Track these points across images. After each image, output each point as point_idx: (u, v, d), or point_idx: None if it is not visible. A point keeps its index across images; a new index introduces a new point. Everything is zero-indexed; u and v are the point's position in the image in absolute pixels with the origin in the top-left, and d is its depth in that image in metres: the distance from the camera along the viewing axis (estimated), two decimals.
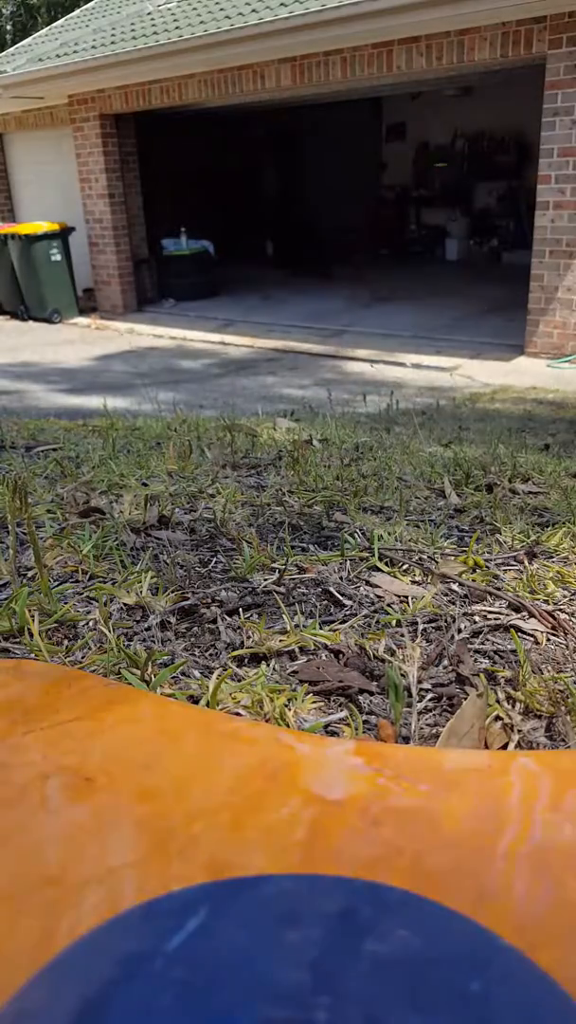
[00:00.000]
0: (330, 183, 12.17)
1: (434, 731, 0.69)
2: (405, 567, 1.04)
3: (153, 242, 9.29)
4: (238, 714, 0.69)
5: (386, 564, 1.04)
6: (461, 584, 0.99)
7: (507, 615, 0.91)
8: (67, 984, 0.33)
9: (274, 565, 1.03)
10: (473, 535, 1.16)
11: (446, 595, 0.96)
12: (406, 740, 0.68)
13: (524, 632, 0.88)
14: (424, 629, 0.88)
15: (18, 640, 0.82)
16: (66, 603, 0.90)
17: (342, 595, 0.95)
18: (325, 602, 0.94)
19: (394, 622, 0.89)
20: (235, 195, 11.57)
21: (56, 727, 0.56)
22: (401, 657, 0.81)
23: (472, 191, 11.62)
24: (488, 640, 0.86)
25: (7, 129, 10.31)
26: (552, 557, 1.10)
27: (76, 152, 8.87)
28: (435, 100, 10.70)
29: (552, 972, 0.34)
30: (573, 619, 0.91)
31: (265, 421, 2.75)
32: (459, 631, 0.87)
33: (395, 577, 1.01)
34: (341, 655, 0.81)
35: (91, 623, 0.87)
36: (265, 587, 0.96)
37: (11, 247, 8.69)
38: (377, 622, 0.89)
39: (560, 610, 0.92)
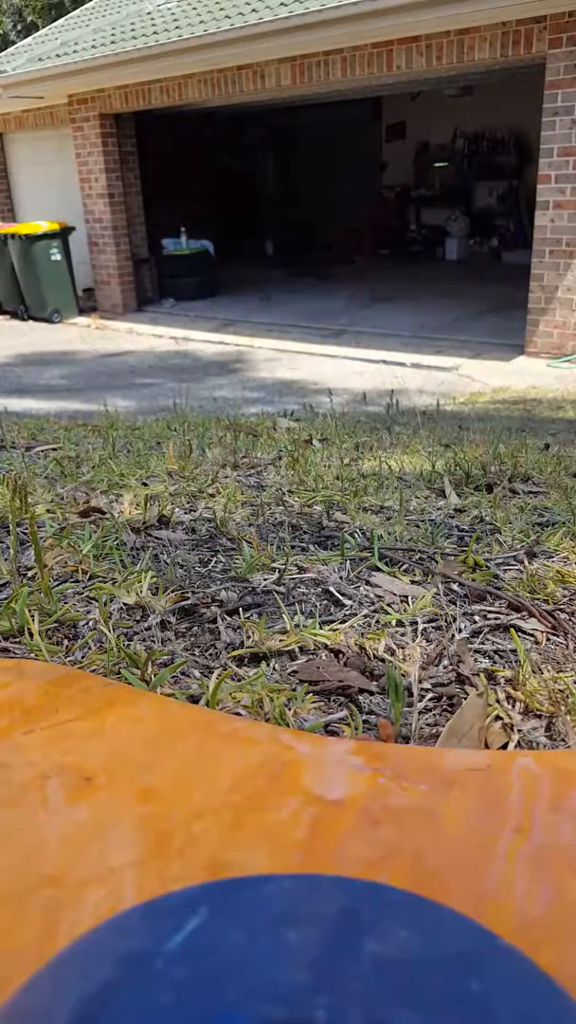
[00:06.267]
0: (330, 183, 12.17)
1: (434, 731, 0.69)
2: (405, 567, 1.04)
3: (153, 242, 9.29)
4: (238, 714, 0.69)
5: (386, 564, 1.04)
6: (461, 584, 0.99)
7: (507, 615, 0.91)
8: (67, 984, 0.33)
9: (274, 565, 1.03)
10: (473, 535, 1.15)
11: (446, 595, 0.96)
12: (406, 740, 0.68)
13: (524, 632, 0.88)
14: (424, 629, 0.88)
15: (18, 640, 0.82)
16: (66, 603, 0.90)
17: (342, 595, 0.95)
18: (325, 602, 0.94)
19: (394, 622, 0.89)
20: (235, 195, 11.56)
21: (56, 727, 0.56)
22: (401, 657, 0.81)
23: (472, 191, 11.62)
24: (488, 640, 0.86)
25: (7, 129, 10.31)
26: (552, 557, 1.10)
27: (76, 152, 8.87)
28: (435, 100, 10.70)
29: (552, 972, 0.34)
30: (573, 619, 0.91)
31: (265, 421, 2.75)
32: (459, 631, 0.87)
33: (395, 577, 1.01)
34: (341, 655, 0.81)
35: (91, 623, 0.87)
36: (265, 587, 0.96)
37: (11, 247, 8.68)
38: (377, 622, 0.89)
39: (560, 610, 0.92)
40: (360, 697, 0.75)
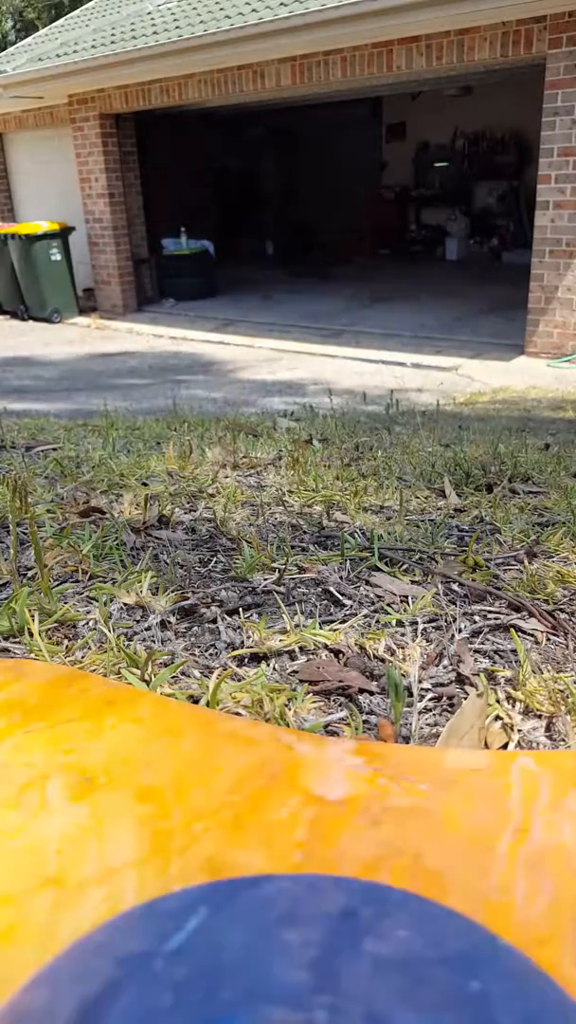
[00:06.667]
0: (330, 183, 12.17)
1: (434, 731, 0.69)
2: (405, 567, 1.04)
3: (153, 242, 9.29)
4: (238, 714, 0.69)
5: (386, 564, 1.04)
6: (461, 584, 0.99)
7: (507, 615, 0.91)
8: (67, 984, 0.33)
9: (274, 565, 1.03)
10: (473, 535, 1.16)
11: (446, 595, 0.96)
12: (406, 740, 0.68)
13: (524, 632, 0.88)
14: (424, 629, 0.88)
15: (18, 640, 0.82)
16: (66, 603, 0.90)
17: (342, 595, 0.95)
18: (325, 602, 0.94)
19: (394, 622, 0.89)
20: (235, 195, 11.56)
21: (56, 727, 0.56)
22: (401, 657, 0.81)
23: (472, 191, 11.62)
24: (488, 640, 0.86)
25: (7, 129, 10.31)
26: (552, 557, 1.10)
27: (76, 152, 8.87)
28: (435, 100, 10.70)
29: (552, 971, 0.34)
30: (573, 619, 0.91)
31: (265, 421, 2.75)
32: (459, 631, 0.87)
33: (395, 577, 1.01)
34: (341, 655, 0.81)
35: (91, 623, 0.87)
36: (265, 587, 0.96)
37: (11, 247, 8.68)
38: (377, 622, 0.89)
39: (560, 610, 0.92)
40: (360, 697, 0.75)
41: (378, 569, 1.03)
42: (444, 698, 0.75)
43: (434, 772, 0.52)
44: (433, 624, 0.89)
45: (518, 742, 0.68)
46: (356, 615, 0.90)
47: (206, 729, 0.58)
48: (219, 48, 6.68)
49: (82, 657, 0.80)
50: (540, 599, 0.95)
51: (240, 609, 0.91)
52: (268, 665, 0.79)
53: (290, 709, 0.71)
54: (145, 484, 1.45)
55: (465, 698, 0.73)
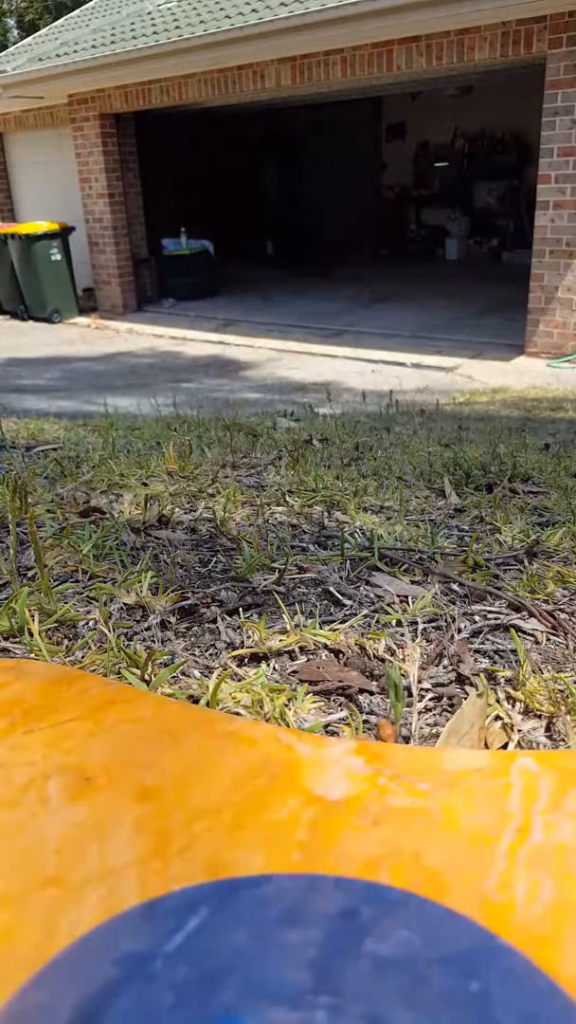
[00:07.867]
0: (330, 183, 12.17)
1: (434, 731, 0.69)
2: (405, 567, 1.04)
3: (153, 242, 9.29)
4: (238, 714, 0.69)
5: (386, 564, 1.04)
6: (461, 584, 0.99)
7: (507, 615, 0.91)
8: (67, 984, 0.33)
9: (274, 565, 1.03)
10: (473, 535, 1.15)
11: (446, 595, 0.96)
12: (406, 740, 0.68)
13: (524, 632, 0.88)
14: (424, 629, 0.88)
15: (18, 640, 0.82)
16: (66, 603, 0.90)
17: (342, 595, 0.95)
18: (325, 602, 0.94)
19: (394, 622, 0.89)
20: (235, 195, 11.56)
21: (56, 727, 0.56)
22: (401, 657, 0.81)
23: (472, 191, 11.62)
24: (488, 640, 0.86)
25: (7, 129, 10.31)
26: (552, 557, 1.10)
27: (76, 152, 8.87)
28: (435, 100, 10.69)
29: (552, 972, 0.34)
30: (573, 619, 0.91)
31: (265, 421, 2.75)
32: (459, 631, 0.87)
33: (395, 577, 1.01)
34: (341, 655, 0.81)
35: (91, 623, 0.87)
36: (265, 587, 0.96)
37: (11, 247, 8.68)
38: (377, 622, 0.89)
39: (560, 610, 0.92)
40: (360, 697, 0.75)
41: (378, 569, 1.03)
42: (444, 698, 0.75)
43: (434, 772, 0.52)
44: (433, 624, 0.89)
45: (518, 742, 0.68)
46: (356, 615, 0.90)
47: (206, 729, 0.58)
48: (219, 48, 6.68)
49: (82, 657, 0.80)
50: (540, 599, 0.95)
51: (240, 609, 0.91)
52: (268, 665, 0.79)
53: (290, 709, 0.71)
54: (145, 484, 1.45)
55: (465, 698, 0.73)
